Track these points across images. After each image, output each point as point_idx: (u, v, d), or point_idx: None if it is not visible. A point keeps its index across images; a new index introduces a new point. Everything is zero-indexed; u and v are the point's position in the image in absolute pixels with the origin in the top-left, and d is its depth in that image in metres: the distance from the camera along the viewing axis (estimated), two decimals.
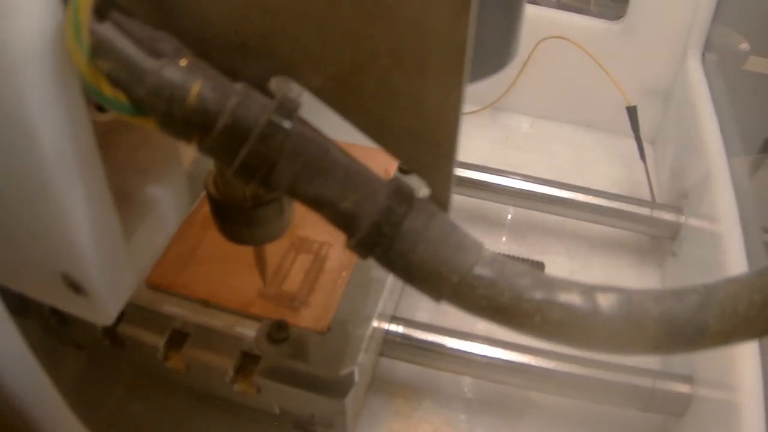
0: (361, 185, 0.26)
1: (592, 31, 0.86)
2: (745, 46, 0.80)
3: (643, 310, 0.25)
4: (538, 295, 0.26)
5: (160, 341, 0.49)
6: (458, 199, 0.76)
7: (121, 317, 0.50)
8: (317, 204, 0.26)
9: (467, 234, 0.27)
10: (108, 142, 0.29)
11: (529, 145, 0.92)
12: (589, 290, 0.26)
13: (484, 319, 0.26)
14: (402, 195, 0.26)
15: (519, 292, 0.26)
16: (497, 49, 0.34)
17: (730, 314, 0.25)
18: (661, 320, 0.25)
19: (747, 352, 0.49)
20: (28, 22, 0.24)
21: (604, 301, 0.25)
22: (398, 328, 0.57)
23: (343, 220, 0.26)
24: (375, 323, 0.52)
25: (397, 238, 0.26)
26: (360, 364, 0.48)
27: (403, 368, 0.62)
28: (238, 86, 0.25)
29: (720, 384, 0.51)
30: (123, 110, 0.25)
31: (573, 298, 0.25)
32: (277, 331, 0.48)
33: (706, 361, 0.54)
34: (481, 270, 0.26)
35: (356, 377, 0.48)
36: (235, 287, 0.51)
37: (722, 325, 0.25)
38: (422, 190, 0.28)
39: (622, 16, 0.86)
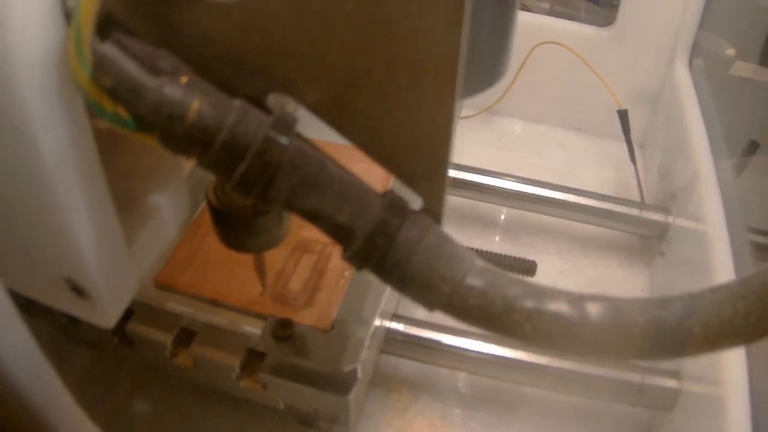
0: (356, 198, 0.26)
1: (582, 37, 0.86)
2: (730, 51, 0.80)
3: (629, 318, 0.25)
4: (528, 304, 0.25)
5: (168, 339, 0.49)
6: (453, 200, 0.77)
7: (130, 316, 0.50)
8: (314, 217, 0.26)
9: (459, 245, 0.27)
10: (110, 148, 0.29)
11: (521, 147, 0.92)
12: (577, 299, 0.25)
13: (476, 327, 0.26)
14: (396, 208, 0.26)
15: (510, 301, 0.25)
16: (489, 65, 0.34)
17: (714, 322, 0.24)
18: (648, 328, 0.25)
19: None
20: (31, 39, 0.23)
21: (592, 310, 0.25)
22: (399, 326, 0.57)
23: (338, 233, 0.26)
24: (377, 321, 0.51)
25: (391, 249, 0.25)
26: (363, 361, 0.48)
27: (401, 364, 0.62)
28: (236, 103, 0.24)
29: (707, 379, 0.51)
30: (124, 126, 0.24)
31: (562, 307, 0.25)
32: (282, 329, 0.48)
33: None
34: (473, 280, 0.26)
35: (359, 374, 0.47)
36: (241, 286, 0.51)
37: (707, 333, 0.24)
38: (416, 203, 0.27)
39: (611, 23, 0.86)
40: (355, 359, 0.48)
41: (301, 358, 0.48)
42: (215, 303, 0.50)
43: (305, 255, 0.54)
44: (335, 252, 0.54)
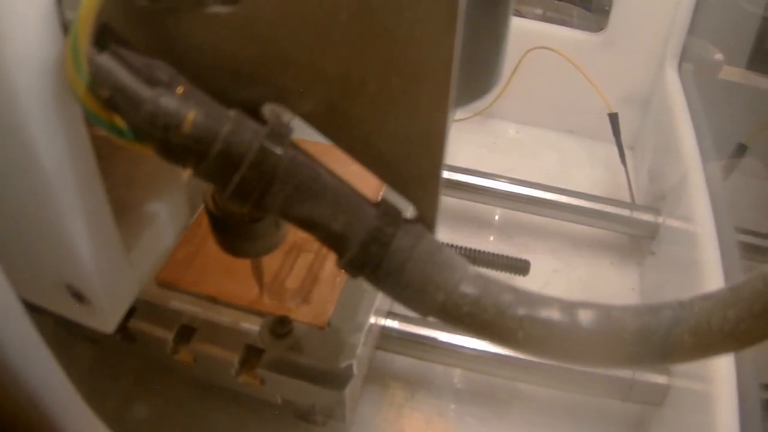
0: (350, 207, 0.25)
1: (574, 42, 0.86)
2: (719, 56, 0.80)
3: (620, 325, 0.24)
4: (521, 311, 0.25)
5: (169, 336, 0.49)
6: (449, 201, 0.76)
7: (132, 313, 0.49)
8: (308, 225, 0.25)
9: (453, 253, 0.26)
10: (108, 156, 0.29)
11: (515, 149, 0.91)
12: (569, 306, 0.25)
13: (469, 334, 0.26)
14: (390, 216, 0.26)
15: (502, 308, 0.25)
16: (483, 73, 0.33)
17: (704, 330, 0.24)
18: (638, 335, 0.24)
19: None
20: (29, 51, 0.23)
21: (584, 317, 0.25)
22: (394, 323, 0.57)
23: (333, 241, 0.26)
24: (372, 319, 0.51)
25: (385, 258, 0.25)
26: (358, 358, 0.48)
27: (398, 361, 0.62)
28: (232, 113, 0.24)
29: (696, 375, 0.51)
30: (121, 136, 0.24)
31: (554, 314, 0.25)
32: (280, 326, 0.47)
33: None
34: (466, 287, 0.25)
35: (355, 370, 0.47)
36: (240, 285, 0.50)
37: (698, 340, 0.24)
38: (409, 212, 0.27)
39: (603, 28, 0.85)
40: (351, 355, 0.47)
41: (298, 354, 0.47)
42: (215, 301, 0.50)
43: (302, 254, 0.54)
44: (331, 252, 0.54)
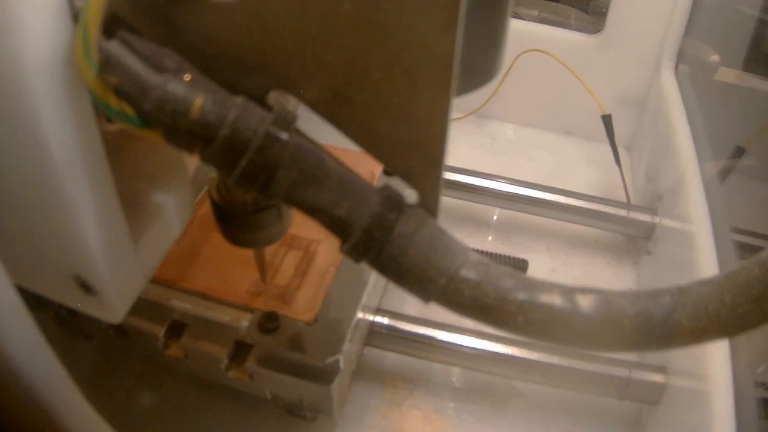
0: (354, 193, 0.26)
1: (572, 43, 0.86)
2: (715, 58, 0.80)
3: (619, 311, 0.25)
4: (521, 296, 0.25)
5: (160, 331, 0.49)
6: (447, 201, 0.76)
7: None
8: (312, 211, 0.26)
9: (454, 238, 0.27)
10: (117, 150, 0.29)
11: (513, 150, 0.92)
12: (569, 291, 0.25)
13: (470, 319, 0.26)
14: (393, 202, 0.26)
15: (503, 293, 0.25)
16: (483, 64, 0.34)
17: (702, 314, 0.24)
18: (637, 320, 0.25)
19: (717, 343, 0.49)
20: (39, 39, 0.23)
21: (583, 302, 0.25)
22: (383, 320, 0.57)
23: (337, 226, 0.26)
24: (359, 315, 0.52)
25: (388, 242, 0.25)
26: (345, 353, 0.48)
27: (394, 359, 0.62)
28: (238, 99, 0.24)
29: (692, 374, 0.51)
30: (130, 122, 0.24)
31: (554, 299, 0.25)
32: (268, 322, 0.48)
33: (679, 352, 0.54)
34: (467, 272, 0.25)
35: (341, 365, 0.48)
36: (230, 281, 0.51)
37: (694, 325, 0.24)
38: (412, 197, 0.27)
39: (600, 30, 0.86)
40: (338, 351, 0.48)
41: (286, 349, 0.48)
42: (205, 297, 0.51)
43: (292, 251, 0.55)
44: (320, 249, 0.55)
